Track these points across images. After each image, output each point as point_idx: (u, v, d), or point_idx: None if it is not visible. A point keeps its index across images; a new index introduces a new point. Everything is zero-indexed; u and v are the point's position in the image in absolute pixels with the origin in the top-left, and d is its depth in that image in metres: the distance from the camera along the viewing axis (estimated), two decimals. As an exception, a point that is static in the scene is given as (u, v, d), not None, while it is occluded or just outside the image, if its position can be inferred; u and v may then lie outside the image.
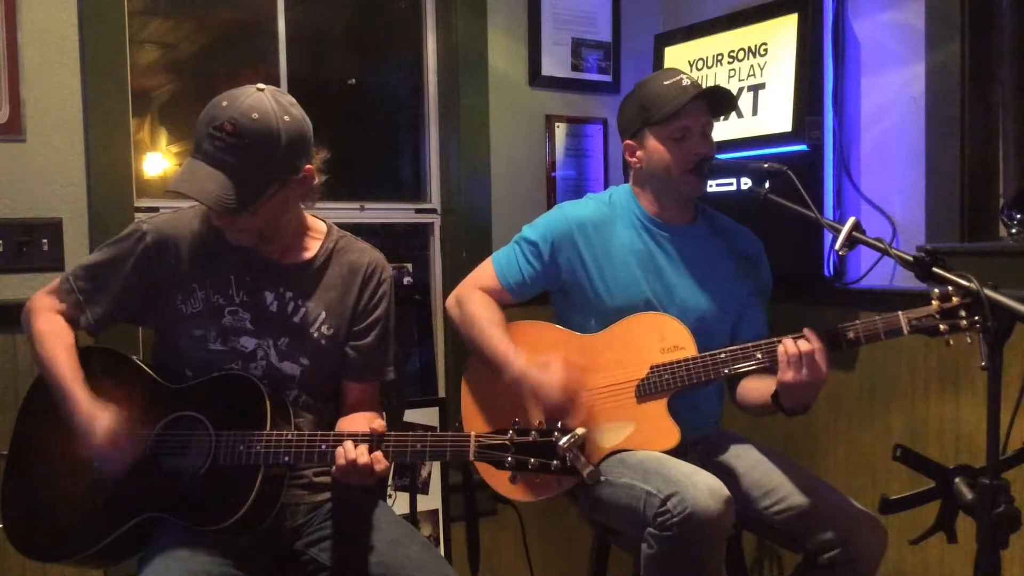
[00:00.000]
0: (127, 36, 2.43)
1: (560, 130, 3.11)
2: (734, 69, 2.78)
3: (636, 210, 2.12)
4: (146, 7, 2.69)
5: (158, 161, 2.94)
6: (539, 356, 1.99)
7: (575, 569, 2.98)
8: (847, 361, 2.59)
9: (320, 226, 1.90)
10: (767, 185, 1.92)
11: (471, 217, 2.95)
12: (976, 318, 1.69)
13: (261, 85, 1.69)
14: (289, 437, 1.67)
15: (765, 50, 2.69)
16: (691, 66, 2.91)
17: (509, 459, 1.57)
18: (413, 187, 3.13)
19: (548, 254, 2.10)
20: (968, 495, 1.50)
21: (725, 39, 2.82)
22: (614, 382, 2.01)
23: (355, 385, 1.88)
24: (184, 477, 1.68)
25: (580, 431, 1.55)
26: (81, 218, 2.38)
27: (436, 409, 2.82)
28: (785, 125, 2.60)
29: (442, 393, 3.00)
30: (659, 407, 1.97)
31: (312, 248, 1.86)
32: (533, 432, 1.57)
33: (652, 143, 2.05)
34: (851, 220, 1.69)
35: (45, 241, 2.33)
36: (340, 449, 1.63)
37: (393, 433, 1.66)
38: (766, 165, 1.90)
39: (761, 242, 2.21)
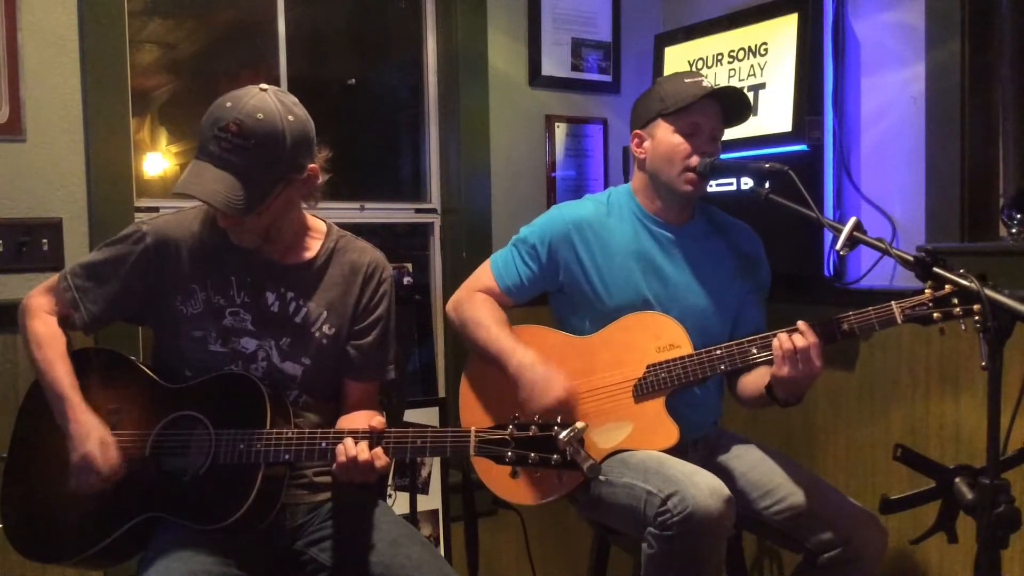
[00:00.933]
0: (127, 36, 2.44)
1: (560, 130, 3.11)
2: (734, 69, 2.78)
3: (635, 209, 2.12)
4: (146, 7, 2.69)
5: (158, 161, 2.94)
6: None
7: (575, 569, 2.98)
8: (847, 361, 2.59)
9: (320, 226, 1.90)
10: (768, 185, 1.92)
11: (471, 217, 2.95)
12: (969, 306, 1.70)
13: (264, 85, 1.69)
14: (289, 435, 1.67)
15: (765, 50, 2.69)
16: (691, 66, 2.91)
17: (509, 454, 1.57)
18: (413, 187, 3.13)
19: (546, 256, 2.09)
20: (968, 495, 1.50)
21: (725, 39, 2.82)
22: (611, 382, 2.01)
23: (356, 384, 1.88)
24: (184, 476, 1.68)
25: (580, 425, 1.55)
26: (81, 218, 2.38)
27: (436, 409, 2.82)
28: (785, 125, 2.60)
29: (442, 393, 3.00)
30: (657, 406, 1.97)
31: (312, 248, 1.86)
32: (533, 427, 1.57)
33: (662, 133, 2.04)
34: (852, 220, 1.69)
35: (45, 241, 2.33)
36: (340, 446, 1.63)
37: (393, 430, 1.66)
38: (767, 165, 1.90)
39: (760, 238, 2.21)
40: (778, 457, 2.07)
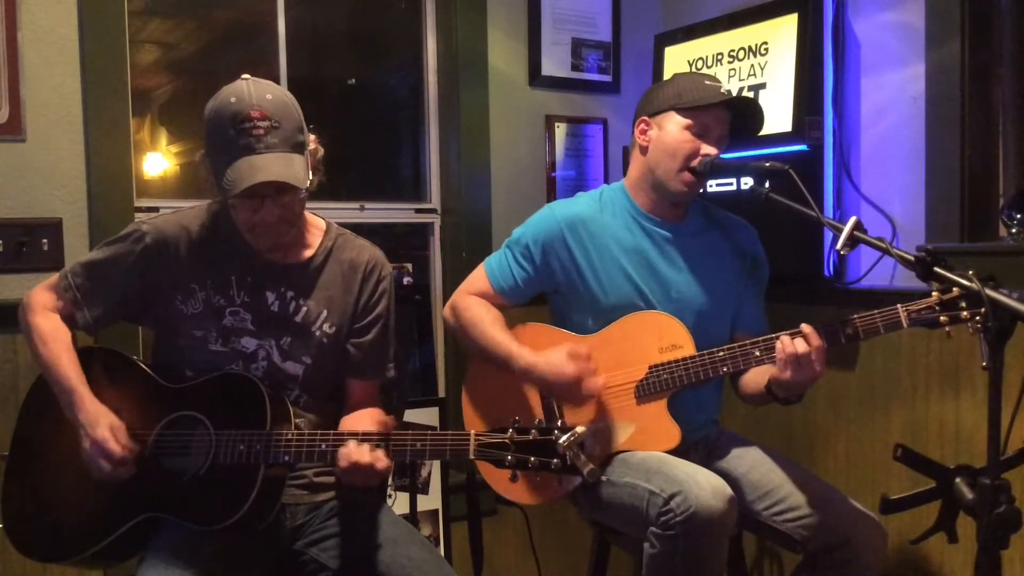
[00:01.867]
0: (127, 36, 2.43)
1: (560, 130, 3.11)
2: (734, 69, 2.78)
3: (628, 207, 2.11)
4: (146, 7, 2.68)
5: (158, 161, 2.93)
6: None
7: (576, 569, 2.98)
8: (847, 361, 2.59)
9: (320, 224, 1.90)
10: (768, 184, 1.92)
11: (471, 217, 2.95)
12: (977, 310, 1.69)
13: (245, 76, 1.72)
14: (289, 436, 1.67)
15: (766, 50, 2.69)
16: (691, 66, 2.91)
17: (509, 457, 1.56)
18: (413, 187, 3.13)
19: (540, 256, 2.09)
20: (968, 495, 1.50)
21: (725, 39, 2.82)
22: (613, 383, 2.00)
23: (357, 383, 1.88)
24: (184, 477, 1.68)
25: (580, 429, 1.55)
26: (81, 218, 2.38)
27: (436, 409, 2.82)
28: (785, 125, 2.60)
29: (442, 393, 3.00)
30: (659, 407, 1.97)
31: (312, 246, 1.86)
32: (533, 431, 1.56)
33: (672, 126, 2.02)
34: (852, 219, 1.68)
35: (45, 241, 2.33)
36: (341, 451, 1.63)
37: (393, 432, 1.66)
38: (768, 164, 1.90)
39: (757, 233, 2.20)
40: (778, 458, 2.07)
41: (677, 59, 2.96)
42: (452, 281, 2.87)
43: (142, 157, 2.77)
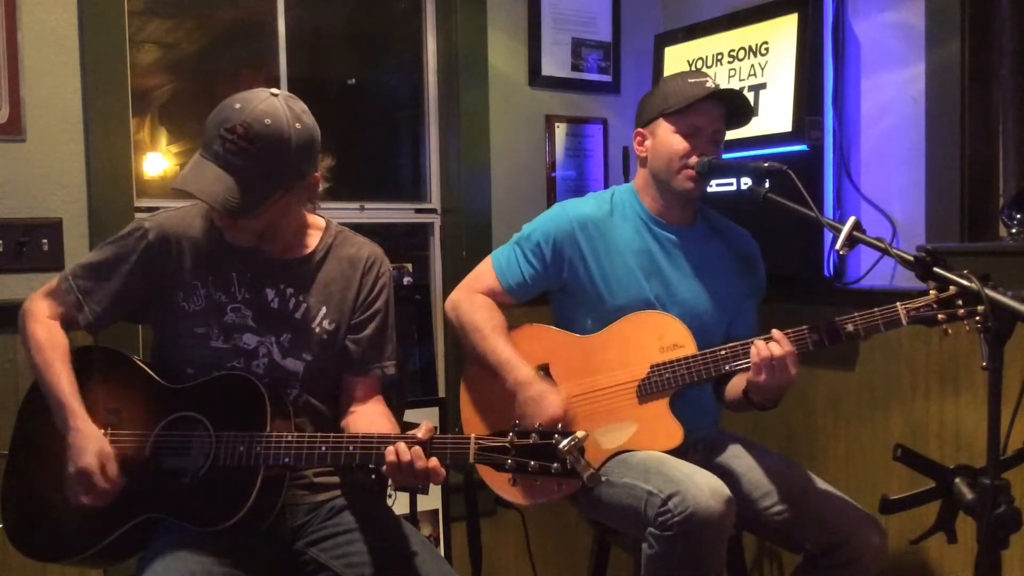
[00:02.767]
0: (127, 36, 2.44)
1: (560, 130, 3.11)
2: (734, 69, 2.78)
3: (638, 209, 2.12)
4: (146, 7, 2.69)
5: (158, 161, 2.94)
6: (540, 362, 2.02)
7: (575, 569, 2.98)
8: (847, 361, 2.59)
9: (319, 222, 1.90)
10: (767, 185, 1.92)
11: (471, 217, 2.95)
12: (974, 308, 1.70)
13: (275, 90, 1.69)
14: (289, 439, 1.67)
15: (766, 49, 2.69)
16: (691, 65, 2.91)
17: (509, 461, 1.56)
18: (413, 187, 3.13)
19: (550, 254, 2.09)
20: (968, 495, 1.50)
21: (725, 39, 2.82)
22: (615, 383, 2.01)
23: (358, 380, 1.88)
24: (184, 478, 1.68)
25: (580, 434, 1.54)
26: (81, 218, 2.38)
27: (436, 409, 2.82)
28: (785, 125, 2.60)
29: (442, 393, 3.00)
30: (661, 407, 1.97)
31: (311, 244, 1.86)
32: (533, 434, 1.56)
33: (663, 133, 2.04)
34: (851, 220, 1.69)
35: (45, 241, 2.33)
36: (391, 449, 1.60)
37: (393, 435, 1.66)
38: (767, 164, 1.90)
39: (757, 243, 2.21)
40: (778, 458, 2.07)
41: (677, 59, 2.96)
42: (452, 281, 2.87)
43: (142, 157, 2.77)
